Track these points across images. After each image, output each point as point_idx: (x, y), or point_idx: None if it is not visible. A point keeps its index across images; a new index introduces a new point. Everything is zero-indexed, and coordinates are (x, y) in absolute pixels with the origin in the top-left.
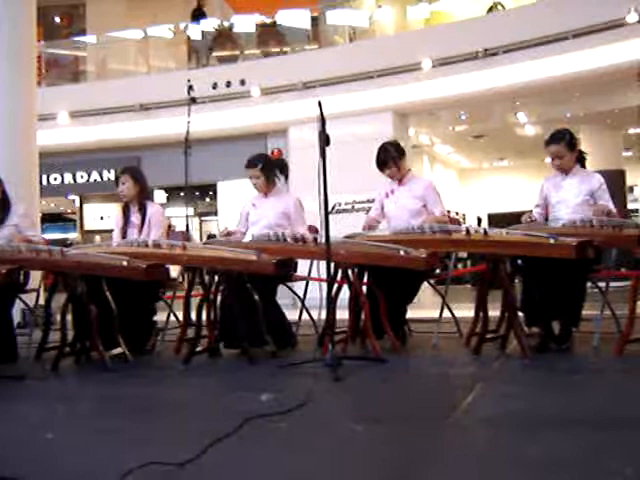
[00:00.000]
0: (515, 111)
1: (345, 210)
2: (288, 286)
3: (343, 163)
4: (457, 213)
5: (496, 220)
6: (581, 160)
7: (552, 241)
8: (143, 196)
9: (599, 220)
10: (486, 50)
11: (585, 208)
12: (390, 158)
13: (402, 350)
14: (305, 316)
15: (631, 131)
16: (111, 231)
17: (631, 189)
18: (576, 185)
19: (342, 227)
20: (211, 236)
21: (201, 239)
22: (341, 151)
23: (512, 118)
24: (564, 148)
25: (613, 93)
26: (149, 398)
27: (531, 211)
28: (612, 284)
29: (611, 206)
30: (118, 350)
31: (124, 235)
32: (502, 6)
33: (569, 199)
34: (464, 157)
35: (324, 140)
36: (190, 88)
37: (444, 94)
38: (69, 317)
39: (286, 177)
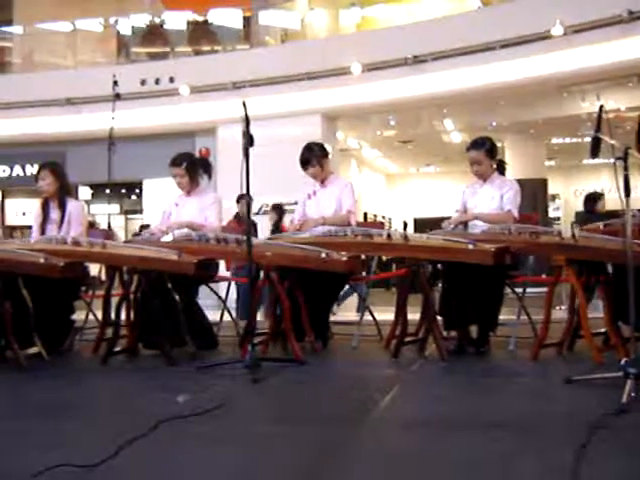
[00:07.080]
0: (442, 118)
1: None
2: (210, 287)
3: (271, 164)
4: (384, 217)
5: (422, 225)
6: (501, 168)
7: (471, 247)
8: (63, 192)
9: (517, 227)
10: (415, 57)
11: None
12: (314, 157)
13: (322, 352)
14: (227, 317)
15: (554, 141)
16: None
17: (553, 197)
18: (492, 192)
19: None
20: (137, 234)
21: (126, 237)
22: (269, 152)
23: (439, 125)
24: (483, 155)
25: (537, 104)
26: (63, 399)
27: (450, 217)
28: (529, 290)
29: (510, 210)
30: (34, 349)
31: (43, 231)
32: None
33: (484, 205)
34: (391, 162)
35: (248, 140)
36: (115, 83)
37: (373, 99)
38: None
39: (209, 176)
